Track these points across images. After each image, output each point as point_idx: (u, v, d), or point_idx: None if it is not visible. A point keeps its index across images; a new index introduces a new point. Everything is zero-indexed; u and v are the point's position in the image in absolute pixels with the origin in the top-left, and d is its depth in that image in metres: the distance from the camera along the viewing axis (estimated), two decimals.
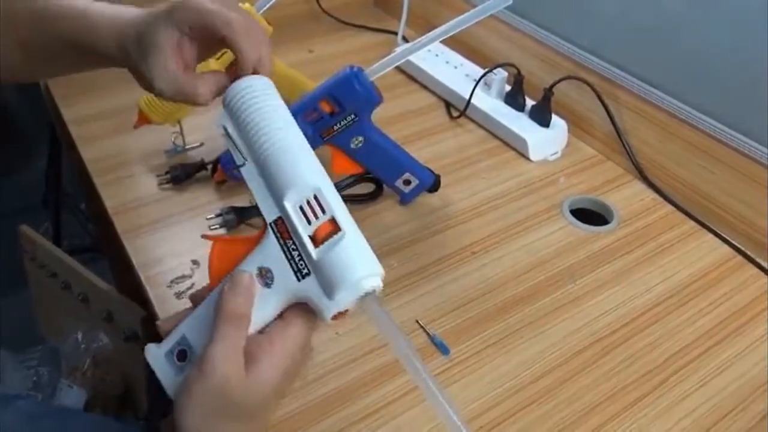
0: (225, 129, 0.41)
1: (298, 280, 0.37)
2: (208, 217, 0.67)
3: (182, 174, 0.72)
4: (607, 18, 0.79)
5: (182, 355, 0.38)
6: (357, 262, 0.35)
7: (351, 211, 0.37)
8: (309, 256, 0.36)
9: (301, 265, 0.37)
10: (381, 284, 0.36)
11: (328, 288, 0.35)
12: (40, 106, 0.95)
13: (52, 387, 1.15)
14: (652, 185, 0.77)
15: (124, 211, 0.69)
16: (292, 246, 0.37)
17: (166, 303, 0.59)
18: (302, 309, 0.38)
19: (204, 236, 0.41)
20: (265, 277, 0.37)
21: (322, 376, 0.55)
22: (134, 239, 0.66)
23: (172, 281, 0.61)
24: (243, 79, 0.42)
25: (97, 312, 1.01)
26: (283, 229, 0.37)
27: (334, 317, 0.36)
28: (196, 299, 0.40)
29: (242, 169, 0.40)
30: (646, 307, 0.63)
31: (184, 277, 0.62)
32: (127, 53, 0.44)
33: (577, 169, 0.80)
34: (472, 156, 0.81)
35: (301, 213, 0.37)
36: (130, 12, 0.45)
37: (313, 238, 0.36)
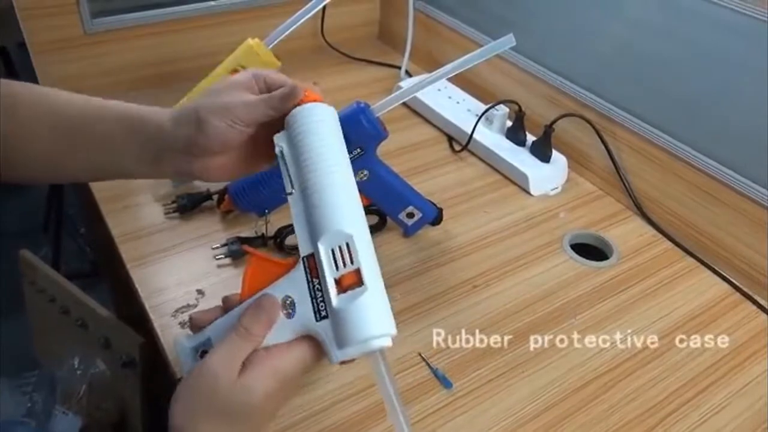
0: (281, 151, 0.42)
1: (316, 320, 0.38)
2: (214, 246, 0.68)
3: (188, 203, 0.73)
4: (606, 57, 0.81)
5: (204, 354, 0.40)
6: (371, 321, 0.37)
7: None
8: (330, 302, 0.37)
9: (321, 306, 0.38)
10: (390, 344, 0.37)
11: (340, 338, 0.37)
12: None
13: (47, 413, 1.14)
14: (650, 221, 0.78)
15: (130, 240, 0.70)
16: (317, 286, 0.38)
17: (169, 332, 0.59)
18: (314, 340, 0.39)
19: (245, 249, 0.42)
20: (288, 307, 0.39)
21: (318, 412, 0.55)
22: (140, 268, 0.66)
23: (176, 310, 0.62)
24: (311, 105, 0.43)
25: (95, 338, 1.01)
26: (313, 266, 0.39)
27: (341, 363, 0.37)
28: (228, 303, 0.41)
29: (289, 197, 0.41)
30: (645, 344, 0.63)
31: (188, 306, 0.62)
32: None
33: (577, 204, 0.81)
34: (474, 190, 0.82)
35: (331, 257, 0.38)
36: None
37: (337, 283, 0.37)
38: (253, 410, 0.38)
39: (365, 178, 0.66)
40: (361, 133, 0.62)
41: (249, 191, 0.67)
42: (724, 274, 0.71)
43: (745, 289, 0.70)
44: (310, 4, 0.74)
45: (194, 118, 0.45)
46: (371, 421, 0.54)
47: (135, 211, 0.74)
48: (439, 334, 0.62)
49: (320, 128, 0.42)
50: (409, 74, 1.05)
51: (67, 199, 1.68)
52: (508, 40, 0.59)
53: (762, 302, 0.68)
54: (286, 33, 0.74)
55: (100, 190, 0.77)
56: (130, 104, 0.48)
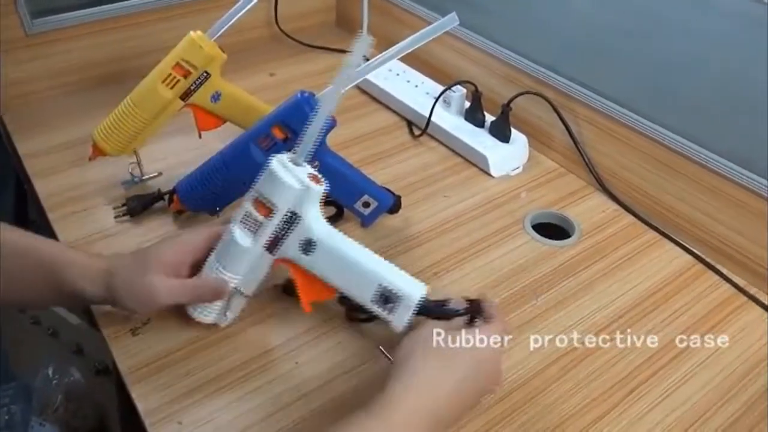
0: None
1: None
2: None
3: (139, 205, 0.70)
4: (562, 33, 0.80)
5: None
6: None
7: None
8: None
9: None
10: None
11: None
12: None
13: (25, 425, 1.12)
14: (612, 196, 0.78)
15: (79, 246, 0.67)
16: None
17: (120, 341, 0.58)
18: None
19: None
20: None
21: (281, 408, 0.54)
22: None
23: (127, 315, 0.60)
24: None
25: (66, 346, 0.99)
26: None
27: None
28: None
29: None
30: (609, 320, 0.62)
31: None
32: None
33: (538, 183, 0.80)
34: (434, 174, 0.81)
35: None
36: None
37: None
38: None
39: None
40: (305, 123, 0.60)
41: (195, 191, 0.65)
42: (686, 245, 0.71)
43: (707, 259, 0.69)
44: None
45: (114, 293, 0.53)
46: None
47: (83, 216, 0.71)
48: None
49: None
50: (367, 60, 1.03)
51: (32, 207, 1.64)
52: (451, 19, 0.58)
53: (724, 271, 0.68)
54: (230, 23, 0.71)
55: (48, 195, 0.74)
56: (54, 251, 0.55)
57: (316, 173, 0.52)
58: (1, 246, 0.52)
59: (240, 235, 0.53)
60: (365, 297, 0.52)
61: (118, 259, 0.55)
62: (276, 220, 0.52)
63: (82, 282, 0.53)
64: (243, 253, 0.53)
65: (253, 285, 0.56)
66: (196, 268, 0.56)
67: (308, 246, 0.52)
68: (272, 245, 0.53)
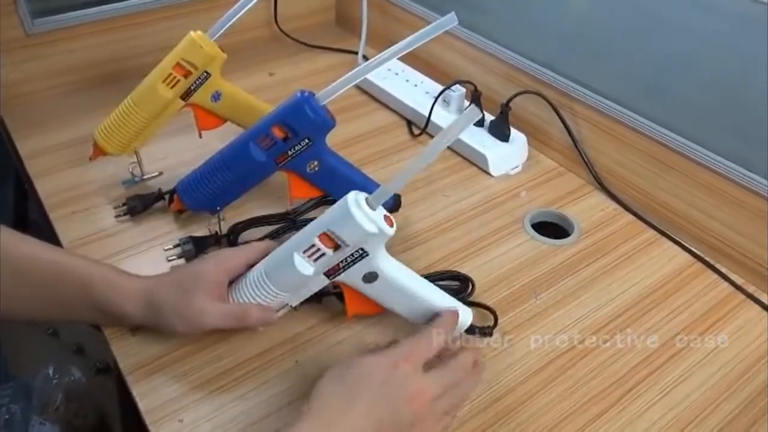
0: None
1: None
2: (166, 248, 0.66)
3: (139, 205, 0.71)
4: (561, 32, 0.80)
5: None
6: None
7: None
8: None
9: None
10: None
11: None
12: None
13: (25, 424, 1.13)
14: (611, 195, 0.78)
15: (80, 246, 0.68)
16: None
17: (121, 340, 0.58)
18: None
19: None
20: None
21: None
22: None
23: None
24: None
25: (67, 345, 1.00)
26: None
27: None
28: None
29: None
30: (608, 319, 0.63)
31: None
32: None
33: (538, 182, 0.81)
34: (434, 173, 0.81)
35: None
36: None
37: None
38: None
39: (316, 168, 0.64)
40: (306, 123, 0.60)
41: (196, 190, 0.65)
42: (685, 244, 0.71)
43: (706, 258, 0.70)
44: None
45: (157, 313, 0.52)
46: None
47: (84, 216, 0.72)
48: (399, 323, 0.61)
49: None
50: (366, 59, 1.03)
51: (33, 205, 1.64)
52: (451, 19, 0.58)
53: (723, 270, 0.68)
54: (230, 23, 0.71)
55: (48, 195, 0.74)
56: (92, 275, 0.53)
57: (389, 215, 0.51)
58: (38, 265, 0.52)
59: (301, 263, 0.52)
60: (419, 320, 0.55)
61: (158, 279, 0.55)
62: (343, 255, 0.51)
63: (121, 301, 0.52)
64: (301, 277, 0.52)
65: (301, 299, 0.56)
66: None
67: (370, 277, 0.53)
68: (333, 272, 0.53)
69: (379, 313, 0.57)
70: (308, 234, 0.51)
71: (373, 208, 0.49)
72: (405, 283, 0.54)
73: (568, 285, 0.66)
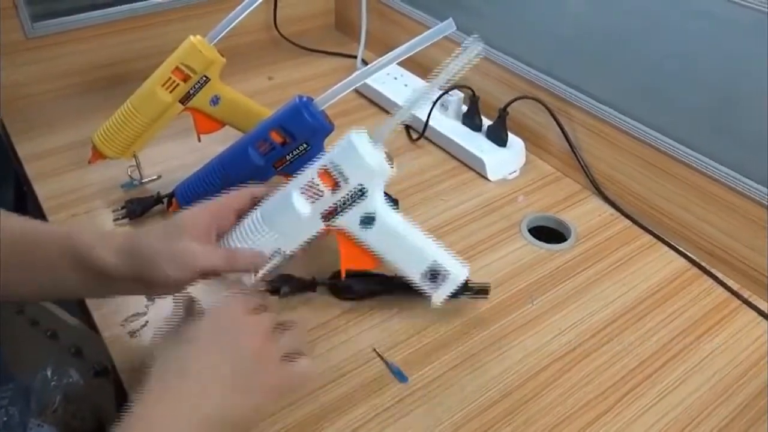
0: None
1: None
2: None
3: (138, 208, 0.71)
4: (559, 38, 0.80)
5: None
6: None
7: None
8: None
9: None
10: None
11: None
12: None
13: (23, 426, 1.12)
14: (608, 200, 0.78)
15: None
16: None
17: (119, 343, 0.58)
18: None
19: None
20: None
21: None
22: None
23: (125, 319, 0.60)
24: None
25: (65, 347, 1.00)
26: None
27: None
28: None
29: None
30: (604, 324, 0.63)
31: (137, 314, 0.61)
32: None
33: (535, 186, 0.81)
34: (432, 178, 0.81)
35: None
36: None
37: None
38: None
39: None
40: (304, 127, 0.61)
41: (194, 194, 0.66)
42: (681, 249, 0.72)
43: (701, 263, 0.70)
44: None
45: (144, 260, 0.47)
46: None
47: (83, 219, 0.72)
48: (394, 328, 0.61)
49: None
50: (365, 63, 1.04)
51: (33, 207, 1.64)
52: (449, 25, 0.58)
53: (718, 275, 0.69)
54: (230, 27, 0.72)
55: (47, 198, 0.75)
56: (71, 230, 0.49)
57: (388, 153, 0.52)
58: (15, 232, 0.49)
59: (299, 200, 0.52)
60: (414, 271, 0.56)
61: (140, 230, 0.52)
62: (342, 194, 0.51)
63: (104, 253, 0.48)
64: (298, 218, 0.52)
65: (294, 246, 0.54)
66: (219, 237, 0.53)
67: (368, 220, 0.53)
68: (330, 215, 0.53)
69: (373, 268, 0.56)
70: (308, 172, 0.51)
71: (374, 144, 0.51)
72: (402, 228, 0.54)
73: (565, 289, 0.66)
